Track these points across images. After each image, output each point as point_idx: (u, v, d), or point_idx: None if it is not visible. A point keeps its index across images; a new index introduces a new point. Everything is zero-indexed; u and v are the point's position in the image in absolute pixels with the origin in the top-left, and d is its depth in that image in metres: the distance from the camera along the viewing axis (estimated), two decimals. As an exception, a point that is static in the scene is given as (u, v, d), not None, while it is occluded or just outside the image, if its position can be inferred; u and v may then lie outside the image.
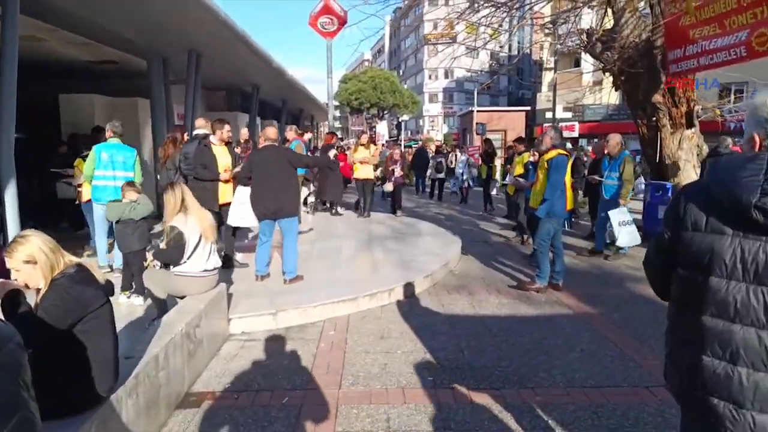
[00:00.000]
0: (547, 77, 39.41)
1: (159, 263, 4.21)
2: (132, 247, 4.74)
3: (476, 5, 10.75)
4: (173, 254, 3.98)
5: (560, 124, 23.95)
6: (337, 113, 58.91)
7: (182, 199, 4.07)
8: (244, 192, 5.57)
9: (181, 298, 4.07)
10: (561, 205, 5.70)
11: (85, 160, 6.67)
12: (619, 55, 9.10)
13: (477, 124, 22.97)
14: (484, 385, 3.54)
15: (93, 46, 8.63)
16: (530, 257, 7.30)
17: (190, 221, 4.02)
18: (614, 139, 7.72)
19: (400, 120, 44.96)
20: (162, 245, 4.13)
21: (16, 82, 5.28)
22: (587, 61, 33.75)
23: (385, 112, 44.46)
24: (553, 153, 5.70)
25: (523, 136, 18.01)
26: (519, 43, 53.43)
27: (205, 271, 4.10)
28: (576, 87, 33.62)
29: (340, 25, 11.61)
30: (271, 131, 5.68)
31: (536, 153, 7.56)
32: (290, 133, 8.81)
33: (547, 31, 37.77)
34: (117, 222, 4.71)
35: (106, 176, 5.97)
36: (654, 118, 9.34)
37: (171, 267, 4.07)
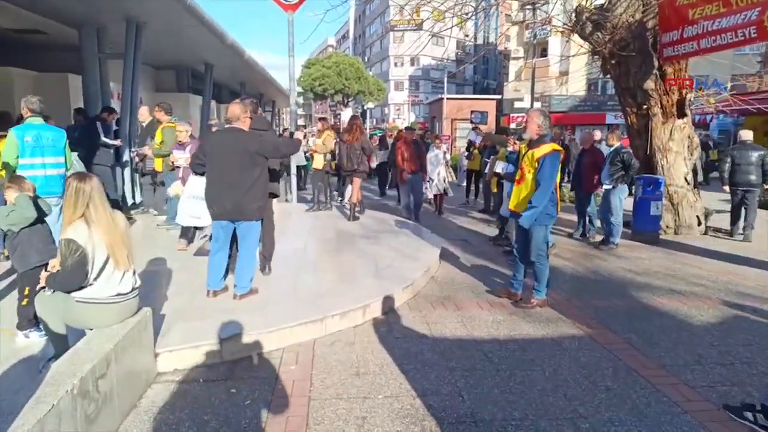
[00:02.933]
0: (514, 67, 39.08)
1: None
2: (27, 264, 3.50)
3: None
4: (69, 278, 2.89)
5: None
6: (300, 100, 57.13)
7: (87, 201, 2.93)
8: (198, 184, 4.49)
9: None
10: (550, 208, 4.67)
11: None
12: (611, 36, 8.34)
13: (473, 112, 21.96)
14: (498, 452, 2.64)
15: (11, 10, 7.23)
16: (508, 257, 6.50)
17: (95, 233, 2.93)
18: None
19: (365, 108, 43.76)
20: (53, 265, 3.03)
21: None
22: (554, 51, 33.54)
23: (350, 99, 43.16)
24: (546, 148, 4.54)
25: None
26: (485, 32, 53.08)
27: (119, 295, 3.03)
28: (543, 77, 33.32)
29: (303, -4, 10.41)
30: (236, 109, 4.35)
31: (516, 142, 6.72)
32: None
33: (514, 20, 37.35)
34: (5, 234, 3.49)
35: (34, 164, 4.83)
36: (645, 106, 8.67)
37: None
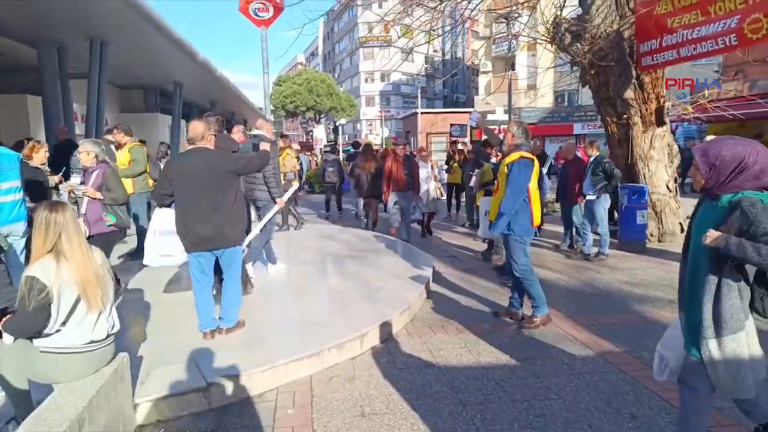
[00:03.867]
0: (483, 80, 39.57)
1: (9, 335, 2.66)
2: None
3: (409, 9, 9.90)
4: (27, 323, 2.51)
5: (500, 126, 23.51)
6: (272, 117, 56.64)
7: (60, 232, 2.56)
8: (166, 217, 4.01)
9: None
10: (525, 220, 4.49)
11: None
12: (590, 46, 8.32)
13: (452, 125, 21.78)
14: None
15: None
16: (499, 274, 6.39)
17: (65, 270, 2.54)
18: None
19: (337, 124, 43.56)
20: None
21: None
22: (521, 64, 34.10)
23: (322, 115, 42.92)
24: (514, 156, 4.48)
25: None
26: (452, 47, 53.84)
27: (92, 343, 2.65)
28: (513, 90, 33.76)
29: (276, 12, 10.15)
30: (198, 127, 3.98)
31: (499, 154, 6.56)
32: (237, 134, 6.21)
33: (481, 35, 37.84)
34: None
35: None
36: (625, 116, 8.65)
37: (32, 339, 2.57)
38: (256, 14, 10.13)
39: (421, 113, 26.22)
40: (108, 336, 2.75)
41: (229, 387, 3.35)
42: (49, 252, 2.56)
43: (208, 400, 3.26)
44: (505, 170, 4.54)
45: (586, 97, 29.68)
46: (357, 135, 54.51)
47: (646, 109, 8.60)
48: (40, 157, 5.64)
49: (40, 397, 2.60)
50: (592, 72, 8.65)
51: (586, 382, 3.57)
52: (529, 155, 4.50)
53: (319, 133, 24.16)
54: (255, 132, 5.98)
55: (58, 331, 2.56)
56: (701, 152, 2.22)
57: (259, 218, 5.87)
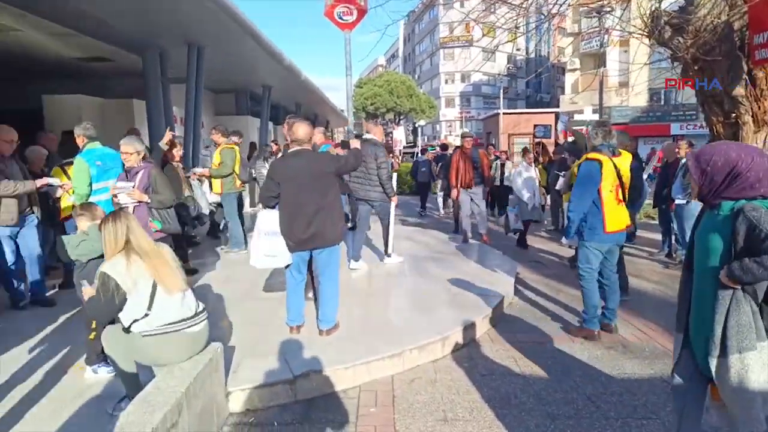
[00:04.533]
0: (570, 79, 38.01)
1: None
2: None
3: (492, 7, 9.60)
4: (98, 310, 2.77)
5: (587, 127, 22.50)
6: (352, 119, 57.81)
7: (127, 234, 2.78)
8: (271, 218, 4.01)
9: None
10: (594, 225, 4.19)
11: (62, 170, 5.47)
12: (693, 40, 7.68)
13: (536, 126, 21.04)
14: None
15: (79, 38, 7.44)
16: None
17: (135, 264, 2.73)
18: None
19: (416, 125, 43.66)
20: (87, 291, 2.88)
21: None
22: (613, 61, 32.34)
23: (402, 117, 43.19)
24: (583, 158, 4.31)
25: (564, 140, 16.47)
26: (536, 45, 52.17)
27: (184, 320, 2.81)
28: (603, 88, 32.09)
29: (360, 15, 10.29)
30: (302, 130, 3.99)
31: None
32: (318, 135, 6.49)
33: (569, 32, 36.35)
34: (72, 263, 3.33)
35: (102, 189, 4.71)
36: (733, 115, 7.91)
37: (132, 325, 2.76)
38: (341, 18, 10.34)
39: (503, 114, 25.61)
40: (197, 314, 2.89)
41: (314, 381, 3.42)
42: (120, 251, 2.77)
43: (294, 393, 3.34)
44: (575, 172, 4.38)
45: (685, 94, 27.66)
46: (436, 136, 54.33)
47: (759, 107, 7.78)
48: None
49: (145, 380, 2.79)
50: (696, 68, 7.98)
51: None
52: (598, 156, 4.20)
53: (399, 135, 24.24)
54: (366, 136, 6.41)
55: (146, 315, 2.73)
56: (694, 157, 2.12)
57: (379, 217, 6.42)
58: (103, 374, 3.34)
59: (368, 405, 3.30)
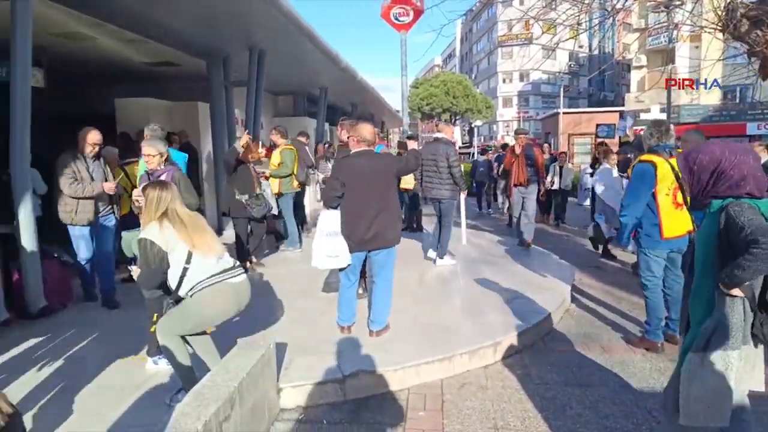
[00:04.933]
0: (636, 76, 36.39)
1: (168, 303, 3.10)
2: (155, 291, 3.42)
3: (552, 4, 9.27)
4: (149, 274, 2.96)
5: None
6: (407, 119, 57.92)
7: (167, 205, 2.96)
8: (333, 219, 4.00)
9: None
10: (650, 231, 3.94)
11: (122, 169, 5.77)
12: (775, 32, 7.15)
13: (599, 125, 20.17)
14: None
15: (147, 45, 7.84)
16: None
17: (171, 230, 2.92)
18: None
19: (472, 125, 43.11)
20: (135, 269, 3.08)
21: (30, 78, 4.48)
22: (682, 57, 30.64)
23: (458, 117, 42.80)
24: (637, 160, 4.11)
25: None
26: (600, 42, 50.25)
27: (225, 271, 3.01)
28: (671, 87, 30.52)
29: (416, 15, 10.31)
30: (367, 130, 4.05)
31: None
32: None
33: (635, 27, 34.78)
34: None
35: None
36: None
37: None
38: (397, 19, 10.38)
39: (563, 113, 24.83)
40: (235, 267, 3.08)
41: (363, 381, 3.44)
42: (156, 220, 2.94)
43: (343, 392, 3.37)
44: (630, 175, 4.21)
45: (763, 91, 25.77)
46: (493, 137, 53.47)
47: None
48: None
49: (200, 374, 2.90)
50: (777, 62, 7.42)
51: (765, 424, 3.05)
52: (653, 158, 3.93)
53: (455, 135, 24.08)
54: (436, 135, 6.67)
55: (185, 270, 2.91)
56: (683, 157, 2.17)
57: (441, 215, 6.50)
58: (163, 365, 3.49)
59: (417, 408, 3.27)
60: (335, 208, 4.03)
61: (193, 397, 2.44)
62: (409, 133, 12.83)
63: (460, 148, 30.31)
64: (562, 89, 30.15)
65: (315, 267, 4.11)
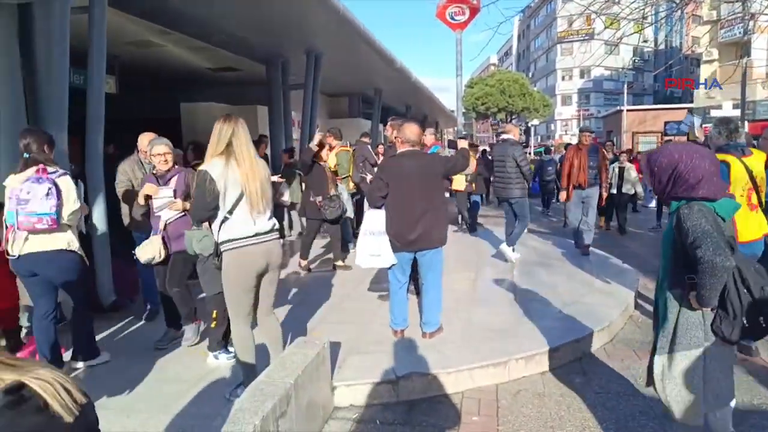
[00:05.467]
0: (706, 71, 34.35)
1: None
2: (214, 289, 3.49)
3: None
4: (200, 206, 2.95)
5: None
6: (462, 119, 57.36)
7: (231, 137, 2.91)
8: (378, 218, 4.02)
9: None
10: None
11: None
12: None
13: (667, 123, 19.15)
14: None
15: (211, 51, 8.18)
16: None
17: (232, 170, 2.90)
18: None
19: (529, 125, 42.11)
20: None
21: (104, 83, 4.73)
22: (759, 49, 28.63)
23: (513, 116, 41.95)
24: None
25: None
26: (666, 36, 47.81)
27: (257, 235, 2.98)
28: (746, 81, 28.71)
29: (472, 14, 10.14)
30: (411, 131, 4.00)
31: None
32: (429, 137, 6.46)
33: (705, 19, 32.93)
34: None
35: None
36: None
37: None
38: (453, 18, 10.27)
39: (627, 110, 23.77)
40: (272, 230, 3.07)
41: (416, 383, 3.42)
42: (221, 154, 2.93)
43: (396, 393, 3.37)
44: None
45: None
46: (550, 136, 51.98)
47: None
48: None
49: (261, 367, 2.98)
50: None
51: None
52: (726, 157, 3.60)
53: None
54: (503, 136, 6.83)
55: (225, 219, 2.94)
56: (646, 159, 2.25)
57: (516, 214, 6.57)
58: (223, 360, 3.62)
59: (471, 413, 3.22)
60: (380, 207, 4.04)
61: (252, 392, 2.51)
62: (463, 132, 12.70)
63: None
64: (625, 86, 28.84)
65: (359, 266, 4.15)
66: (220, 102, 10.04)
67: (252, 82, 10.17)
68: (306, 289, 5.73)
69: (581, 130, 7.79)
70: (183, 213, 3.82)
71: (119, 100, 7.59)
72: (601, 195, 7.36)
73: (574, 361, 3.95)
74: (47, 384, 1.21)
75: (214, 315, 3.50)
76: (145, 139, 4.39)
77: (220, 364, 3.64)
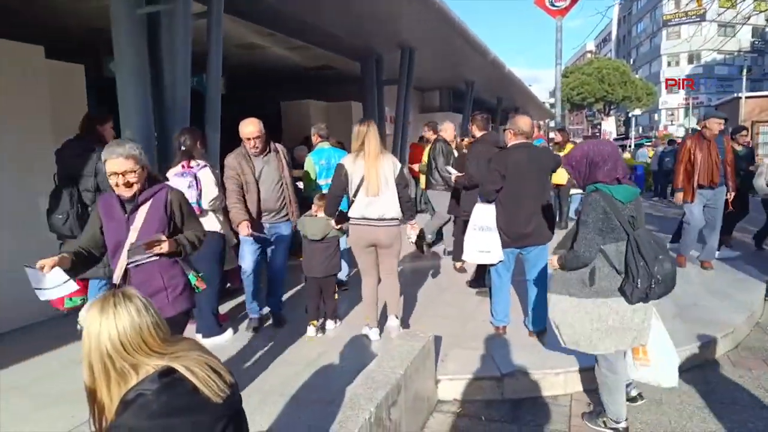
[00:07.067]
0: None
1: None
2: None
3: None
4: (335, 186, 3.80)
5: None
6: (559, 110, 54.98)
7: (363, 137, 3.68)
8: (487, 213, 3.91)
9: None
10: None
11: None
12: None
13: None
14: None
15: (309, 50, 8.49)
16: None
17: (359, 162, 3.69)
18: None
19: (629, 115, 39.50)
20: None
21: (220, 84, 5.07)
22: None
23: (612, 106, 39.55)
24: None
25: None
26: (794, 11, 42.66)
27: (364, 219, 3.72)
28: None
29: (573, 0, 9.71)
30: (524, 122, 3.89)
31: None
32: (535, 130, 5.91)
33: None
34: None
35: (325, 185, 5.34)
36: None
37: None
38: (553, 5, 9.88)
39: (746, 97, 21.48)
40: (379, 219, 3.68)
41: (522, 382, 3.35)
42: (356, 150, 3.72)
43: (501, 390, 3.32)
44: None
45: None
46: (654, 126, 48.43)
47: None
48: None
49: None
50: None
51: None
52: None
53: (608, 126, 22.15)
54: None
55: (352, 202, 3.73)
56: (565, 159, 2.68)
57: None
58: (331, 327, 4.24)
59: (579, 415, 3.09)
60: (491, 202, 3.95)
61: (364, 380, 2.58)
62: (561, 125, 12.16)
63: (614, 140, 27.95)
64: (744, 71, 26.12)
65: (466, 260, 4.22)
66: (317, 99, 10.40)
67: (347, 79, 10.43)
68: (405, 279, 5.76)
69: (707, 116, 5.99)
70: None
71: (224, 99, 8.10)
72: (726, 200, 5.89)
73: (695, 367, 3.67)
74: (195, 369, 1.31)
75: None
76: (247, 127, 3.98)
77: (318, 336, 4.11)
